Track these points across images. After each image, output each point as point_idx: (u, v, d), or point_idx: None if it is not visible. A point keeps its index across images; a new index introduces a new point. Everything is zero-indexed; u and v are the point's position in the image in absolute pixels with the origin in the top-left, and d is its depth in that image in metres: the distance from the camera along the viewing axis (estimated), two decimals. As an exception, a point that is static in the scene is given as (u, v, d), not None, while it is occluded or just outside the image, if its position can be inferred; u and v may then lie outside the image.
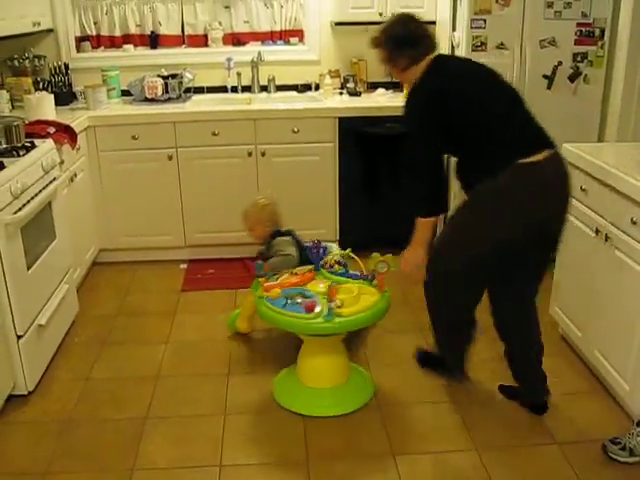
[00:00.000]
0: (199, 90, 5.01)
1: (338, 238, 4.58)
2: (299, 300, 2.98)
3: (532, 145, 2.72)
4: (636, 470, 2.68)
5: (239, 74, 4.96)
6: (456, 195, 3.29)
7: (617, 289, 2.98)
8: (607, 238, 3.02)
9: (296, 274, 3.19)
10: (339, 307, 2.91)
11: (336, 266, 3.29)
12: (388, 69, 3.01)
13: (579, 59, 4.23)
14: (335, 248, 3.64)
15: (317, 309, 2.91)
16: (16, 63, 4.68)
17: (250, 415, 3.08)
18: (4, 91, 4.37)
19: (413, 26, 2.93)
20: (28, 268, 3.19)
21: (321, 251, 3.33)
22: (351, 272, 3.26)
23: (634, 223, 2.80)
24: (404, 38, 2.88)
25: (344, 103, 4.68)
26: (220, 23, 5.00)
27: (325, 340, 3.08)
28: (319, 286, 3.10)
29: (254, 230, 3.63)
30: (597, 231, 3.12)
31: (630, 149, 3.51)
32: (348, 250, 3.31)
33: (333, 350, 3.16)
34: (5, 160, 3.15)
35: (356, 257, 3.25)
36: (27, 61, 4.70)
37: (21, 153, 3.30)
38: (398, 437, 2.90)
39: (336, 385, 3.18)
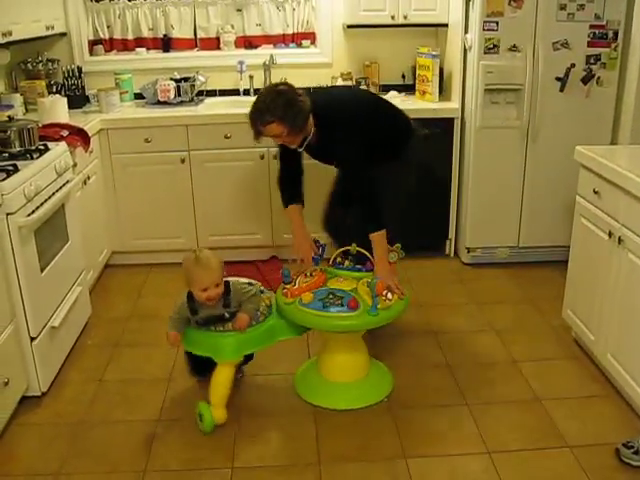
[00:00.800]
0: (211, 93, 5.02)
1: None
2: (331, 300, 3.01)
3: None
4: (649, 474, 2.67)
5: (251, 77, 4.97)
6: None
7: (630, 292, 2.96)
8: (620, 241, 3.01)
9: (312, 275, 3.20)
10: (390, 300, 3.00)
11: (346, 262, 3.33)
12: (288, 139, 3.16)
13: (592, 61, 4.21)
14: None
15: (360, 305, 2.96)
16: (30, 66, 4.71)
17: (262, 417, 3.08)
18: (18, 94, 4.40)
19: (291, 94, 3.07)
20: (41, 270, 3.21)
21: (320, 250, 3.35)
22: (357, 266, 3.30)
23: (647, 226, 2.78)
24: (298, 108, 3.03)
25: (356, 106, 4.68)
26: (232, 26, 5.02)
27: (349, 336, 3.12)
28: (339, 283, 3.15)
29: (218, 288, 3.03)
30: (610, 234, 3.10)
31: (643, 151, 3.50)
32: (354, 245, 3.32)
33: (355, 345, 3.21)
34: (19, 163, 3.17)
35: (364, 250, 3.25)
36: (41, 64, 4.73)
37: (35, 156, 3.32)
38: (410, 440, 2.90)
39: (357, 379, 3.23)
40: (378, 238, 3.16)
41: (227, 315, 3.04)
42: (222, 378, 2.99)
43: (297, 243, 3.42)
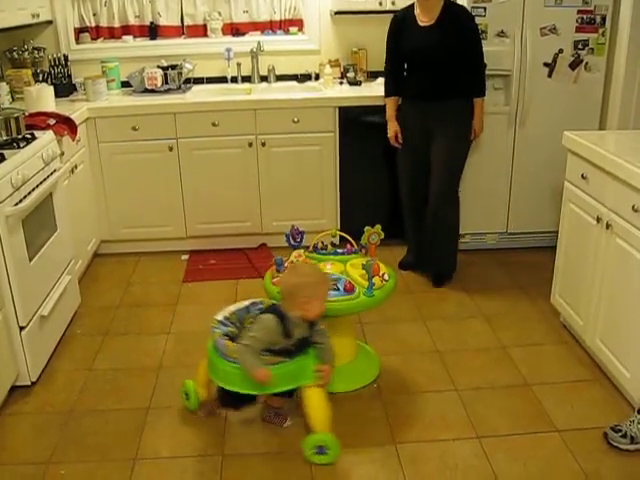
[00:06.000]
0: (199, 81, 5.00)
1: (339, 228, 4.58)
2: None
3: None
4: (637, 457, 2.69)
5: (239, 64, 4.94)
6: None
7: (618, 277, 2.98)
8: (608, 226, 3.02)
9: (298, 262, 3.20)
10: (387, 281, 3.07)
11: (329, 246, 3.37)
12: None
13: (580, 47, 4.21)
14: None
15: (356, 288, 2.98)
16: (15, 55, 4.67)
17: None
18: (4, 83, 4.36)
19: None
20: (30, 260, 3.20)
21: (299, 237, 3.35)
22: (339, 250, 3.35)
23: (635, 211, 2.79)
24: None
25: (344, 93, 4.67)
26: (219, 13, 4.99)
27: (336, 320, 3.11)
28: (326, 268, 3.17)
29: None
30: (598, 219, 3.11)
31: (631, 137, 3.50)
32: (334, 229, 3.38)
33: (342, 329, 3.21)
34: (5, 152, 3.15)
35: (345, 235, 3.30)
36: (26, 53, 4.70)
37: (21, 145, 3.30)
38: (400, 425, 2.91)
39: (345, 363, 3.22)
40: (482, 103, 3.96)
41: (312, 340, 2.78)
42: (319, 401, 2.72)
43: (392, 125, 4.14)
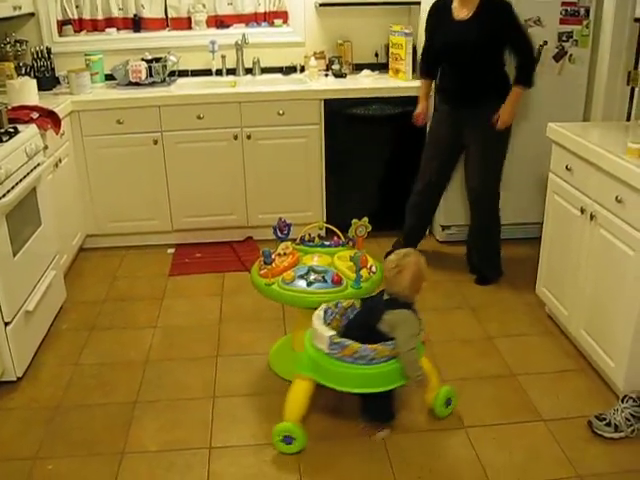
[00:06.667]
0: (183, 73, 4.97)
1: (325, 220, 4.58)
2: (313, 277, 3.02)
3: None
4: (621, 445, 2.72)
5: (223, 57, 4.92)
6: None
7: (602, 268, 3.00)
8: (592, 217, 3.04)
9: (285, 254, 3.20)
10: (374, 273, 3.08)
11: (316, 239, 3.37)
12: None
13: (564, 38, 4.22)
14: None
15: (343, 280, 2.99)
16: (-3, 48, 4.63)
17: (239, 397, 3.09)
18: (-14, 77, 4.33)
19: None
20: (14, 255, 3.18)
21: (286, 229, 3.35)
22: (326, 242, 3.35)
23: (619, 202, 2.81)
24: None
25: (329, 85, 4.66)
26: (204, 5, 4.96)
27: None
28: (313, 260, 3.18)
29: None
30: (582, 210, 3.13)
31: (615, 128, 3.52)
32: (321, 222, 3.38)
33: None
34: (-12, 146, 3.13)
35: (332, 227, 3.31)
36: (9, 46, 4.65)
37: (4, 139, 3.27)
38: (387, 417, 2.92)
39: None
40: (521, 92, 3.77)
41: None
42: None
43: (420, 105, 4.15)
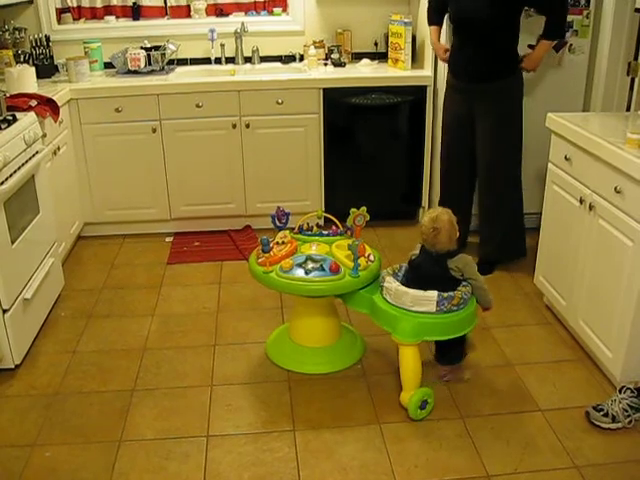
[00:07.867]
0: (182, 62, 4.96)
1: (323, 209, 4.57)
2: (310, 265, 3.03)
3: None
4: (618, 436, 2.72)
5: (222, 45, 4.91)
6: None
7: (601, 258, 3.00)
8: (591, 207, 3.04)
9: (284, 243, 3.20)
10: (372, 262, 3.09)
11: (314, 227, 3.37)
12: None
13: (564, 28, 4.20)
14: None
15: (341, 268, 3.00)
16: (-4, 35, 4.61)
17: (237, 385, 3.09)
18: (-16, 64, 4.32)
19: None
20: (12, 242, 3.18)
21: (285, 218, 3.35)
22: (324, 232, 3.35)
23: (618, 192, 2.81)
24: None
25: (328, 74, 4.64)
26: (203, -7, 4.95)
27: (319, 301, 3.14)
28: (311, 248, 3.18)
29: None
30: (581, 200, 3.13)
31: (614, 118, 3.52)
32: (319, 211, 3.40)
33: (328, 310, 3.24)
34: (-14, 133, 3.12)
35: (330, 216, 3.31)
36: (7, 33, 4.63)
37: (2, 127, 3.26)
38: (383, 405, 2.93)
39: (329, 344, 3.27)
40: (549, 45, 3.83)
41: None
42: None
43: (437, 47, 4.13)
